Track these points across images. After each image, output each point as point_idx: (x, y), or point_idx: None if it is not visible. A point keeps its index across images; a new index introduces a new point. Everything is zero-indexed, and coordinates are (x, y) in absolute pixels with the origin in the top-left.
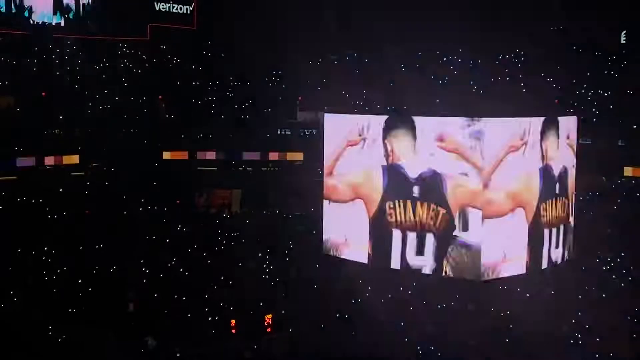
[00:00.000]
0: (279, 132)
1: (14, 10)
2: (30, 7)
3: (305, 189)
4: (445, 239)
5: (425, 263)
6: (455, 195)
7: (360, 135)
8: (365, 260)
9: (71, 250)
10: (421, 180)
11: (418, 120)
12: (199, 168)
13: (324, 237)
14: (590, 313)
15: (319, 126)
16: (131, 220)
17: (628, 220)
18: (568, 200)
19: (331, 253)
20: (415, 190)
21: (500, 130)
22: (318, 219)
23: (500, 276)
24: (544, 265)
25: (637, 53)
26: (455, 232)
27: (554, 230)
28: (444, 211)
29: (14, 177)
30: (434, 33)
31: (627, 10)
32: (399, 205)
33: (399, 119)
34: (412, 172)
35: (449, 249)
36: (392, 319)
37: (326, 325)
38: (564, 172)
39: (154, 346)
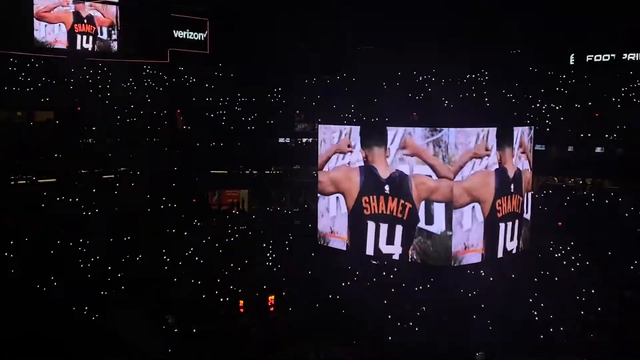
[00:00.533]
0: (280, 141)
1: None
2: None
3: (302, 190)
4: (411, 229)
5: (394, 251)
6: (418, 193)
7: (349, 146)
8: (344, 248)
9: (102, 242)
10: (391, 179)
11: (390, 130)
12: (211, 171)
13: (318, 229)
14: (544, 295)
15: (314, 135)
16: (153, 216)
17: (576, 214)
18: (522, 197)
19: (322, 243)
20: (386, 188)
21: (462, 138)
22: (312, 215)
23: (462, 264)
24: (500, 254)
25: (583, 72)
26: (421, 225)
27: (509, 224)
28: (410, 205)
29: (54, 180)
30: (410, 55)
31: (575, 36)
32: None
33: (374, 130)
34: (384, 173)
35: (416, 239)
36: (376, 299)
37: (320, 305)
38: (519, 174)
39: (174, 323)
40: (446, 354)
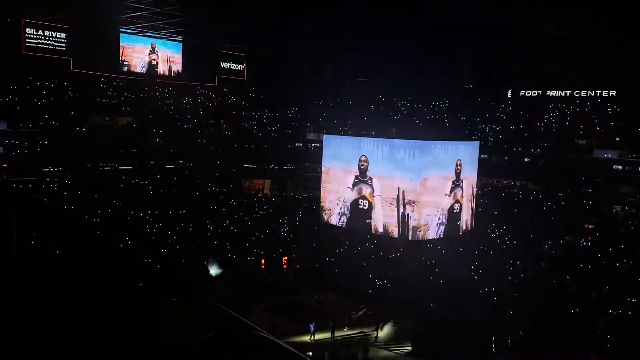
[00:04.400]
0: (295, 144)
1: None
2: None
3: (309, 181)
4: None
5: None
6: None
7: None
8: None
9: (165, 213)
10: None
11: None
12: (244, 165)
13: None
14: (484, 262)
15: (320, 142)
16: (201, 196)
17: (509, 207)
18: (472, 193)
19: (324, 220)
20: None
21: (433, 148)
22: (316, 199)
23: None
24: (459, 232)
25: (517, 103)
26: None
27: (464, 212)
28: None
29: (130, 167)
30: (393, 88)
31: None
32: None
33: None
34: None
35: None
36: (360, 262)
37: (320, 265)
38: (471, 174)
39: (217, 272)
40: (407, 302)
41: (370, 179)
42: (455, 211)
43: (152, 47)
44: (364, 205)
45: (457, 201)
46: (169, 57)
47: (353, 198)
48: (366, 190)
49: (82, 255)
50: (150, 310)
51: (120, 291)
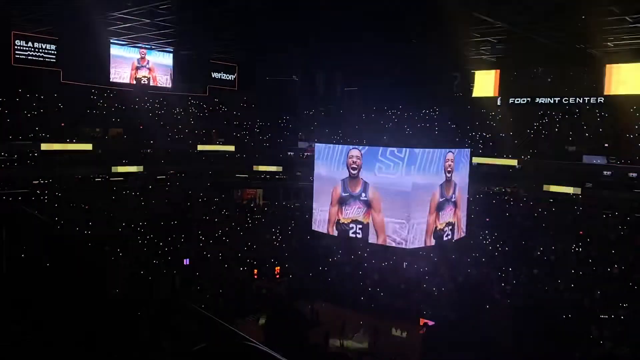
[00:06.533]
0: (287, 154)
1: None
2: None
3: (301, 190)
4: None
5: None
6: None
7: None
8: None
9: (154, 223)
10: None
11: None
12: (236, 175)
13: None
14: (476, 268)
15: (312, 150)
16: (194, 205)
17: (500, 213)
18: (462, 200)
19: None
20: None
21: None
22: (308, 209)
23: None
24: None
25: (506, 110)
26: (392, 217)
27: (455, 219)
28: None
29: (121, 178)
30: (383, 96)
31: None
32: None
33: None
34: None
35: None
36: (352, 270)
37: (313, 274)
38: (462, 182)
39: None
40: (402, 310)
41: (365, 187)
42: (451, 217)
43: (142, 57)
44: (357, 231)
45: (448, 223)
46: (159, 67)
47: (340, 222)
48: (359, 210)
49: (71, 268)
50: (142, 321)
51: (111, 302)
